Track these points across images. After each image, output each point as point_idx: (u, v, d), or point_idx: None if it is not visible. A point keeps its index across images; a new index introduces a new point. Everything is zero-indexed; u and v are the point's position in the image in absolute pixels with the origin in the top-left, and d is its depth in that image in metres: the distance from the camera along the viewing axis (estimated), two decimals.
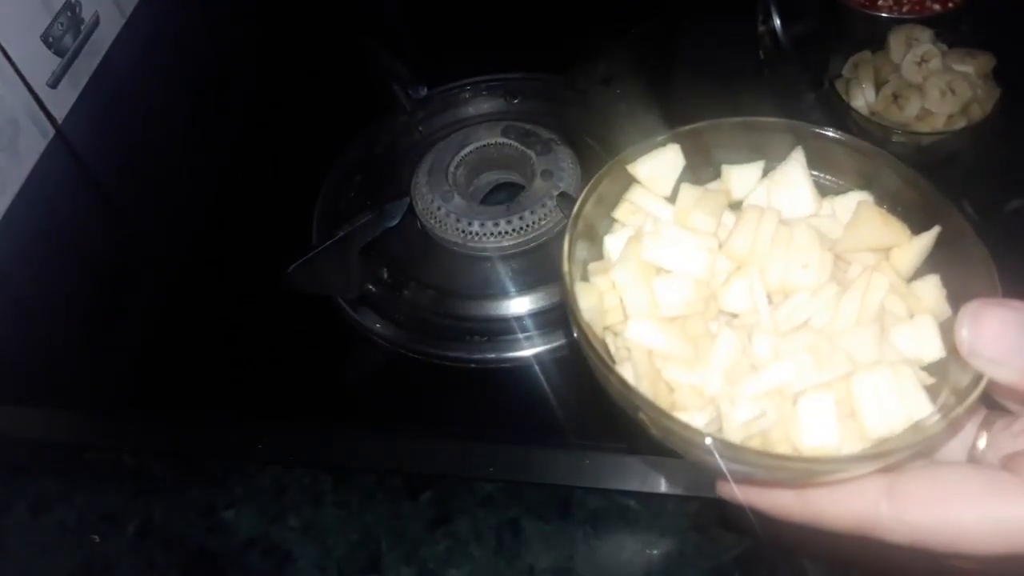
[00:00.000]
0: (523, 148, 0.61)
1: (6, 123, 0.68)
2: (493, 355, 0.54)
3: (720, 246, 0.34)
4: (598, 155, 0.63)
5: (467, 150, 0.62)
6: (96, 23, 0.77)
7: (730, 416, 0.31)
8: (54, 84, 0.73)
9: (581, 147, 0.62)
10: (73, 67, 0.75)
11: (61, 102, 0.73)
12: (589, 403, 0.51)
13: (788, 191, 0.36)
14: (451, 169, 0.61)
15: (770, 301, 0.33)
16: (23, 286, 0.63)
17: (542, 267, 0.57)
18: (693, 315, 0.34)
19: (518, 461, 0.54)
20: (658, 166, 0.37)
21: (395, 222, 0.57)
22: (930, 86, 0.61)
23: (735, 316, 0.34)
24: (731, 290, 0.33)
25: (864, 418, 0.30)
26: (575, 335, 0.32)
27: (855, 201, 0.36)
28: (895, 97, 0.62)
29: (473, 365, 0.54)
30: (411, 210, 0.59)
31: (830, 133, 0.36)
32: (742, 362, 0.32)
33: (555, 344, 0.54)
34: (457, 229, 0.57)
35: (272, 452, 0.58)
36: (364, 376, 0.56)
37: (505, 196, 0.63)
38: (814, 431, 0.30)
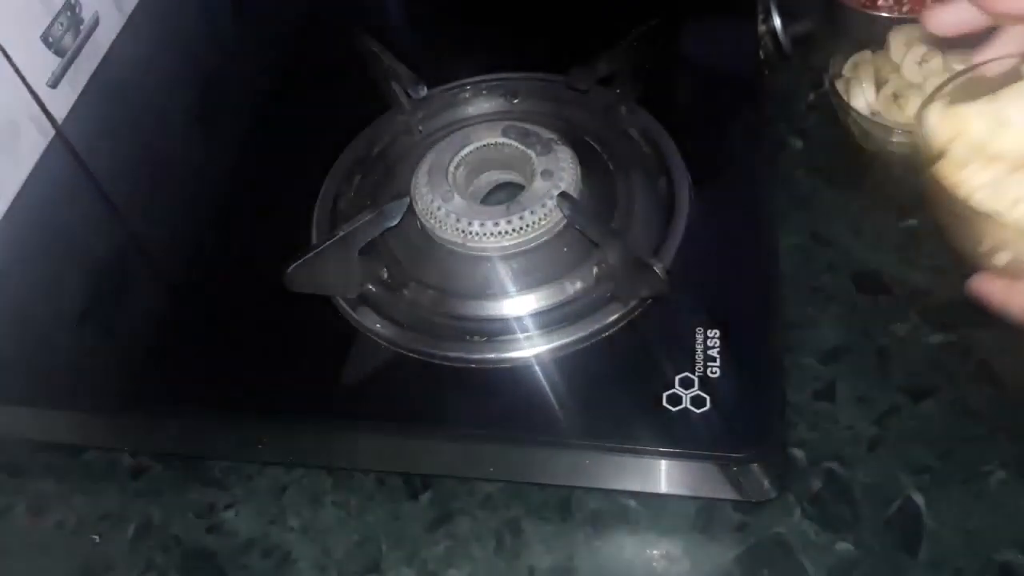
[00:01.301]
0: (523, 148, 0.61)
1: (6, 123, 0.68)
2: (493, 355, 0.54)
3: None
4: (598, 155, 0.63)
5: (467, 150, 0.62)
6: (96, 23, 0.77)
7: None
8: (54, 84, 0.73)
9: (581, 147, 0.62)
10: (73, 67, 0.75)
11: (61, 102, 0.73)
12: (589, 403, 0.52)
13: None
14: (451, 169, 0.61)
15: None
16: (23, 286, 0.63)
17: (542, 267, 0.57)
18: None
19: (518, 461, 0.54)
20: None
21: (395, 222, 0.57)
22: (930, 86, 0.61)
23: None
24: None
25: None
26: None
27: None
28: (895, 97, 0.62)
29: (473, 365, 0.54)
30: (411, 210, 0.58)
31: None
32: None
33: (555, 344, 0.53)
34: (457, 229, 0.57)
35: (272, 452, 0.57)
36: (364, 376, 0.56)
37: (505, 196, 0.63)
38: None
